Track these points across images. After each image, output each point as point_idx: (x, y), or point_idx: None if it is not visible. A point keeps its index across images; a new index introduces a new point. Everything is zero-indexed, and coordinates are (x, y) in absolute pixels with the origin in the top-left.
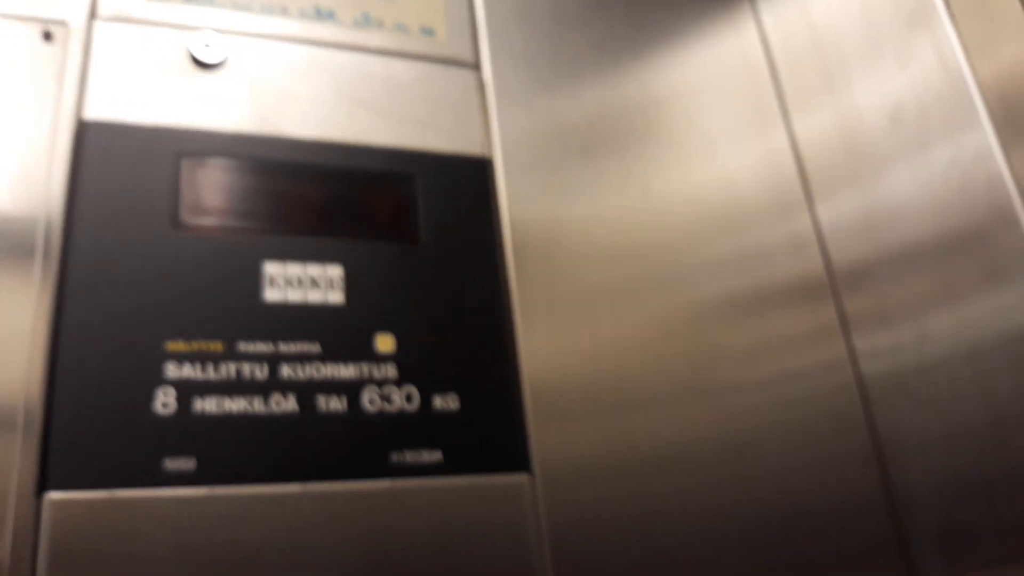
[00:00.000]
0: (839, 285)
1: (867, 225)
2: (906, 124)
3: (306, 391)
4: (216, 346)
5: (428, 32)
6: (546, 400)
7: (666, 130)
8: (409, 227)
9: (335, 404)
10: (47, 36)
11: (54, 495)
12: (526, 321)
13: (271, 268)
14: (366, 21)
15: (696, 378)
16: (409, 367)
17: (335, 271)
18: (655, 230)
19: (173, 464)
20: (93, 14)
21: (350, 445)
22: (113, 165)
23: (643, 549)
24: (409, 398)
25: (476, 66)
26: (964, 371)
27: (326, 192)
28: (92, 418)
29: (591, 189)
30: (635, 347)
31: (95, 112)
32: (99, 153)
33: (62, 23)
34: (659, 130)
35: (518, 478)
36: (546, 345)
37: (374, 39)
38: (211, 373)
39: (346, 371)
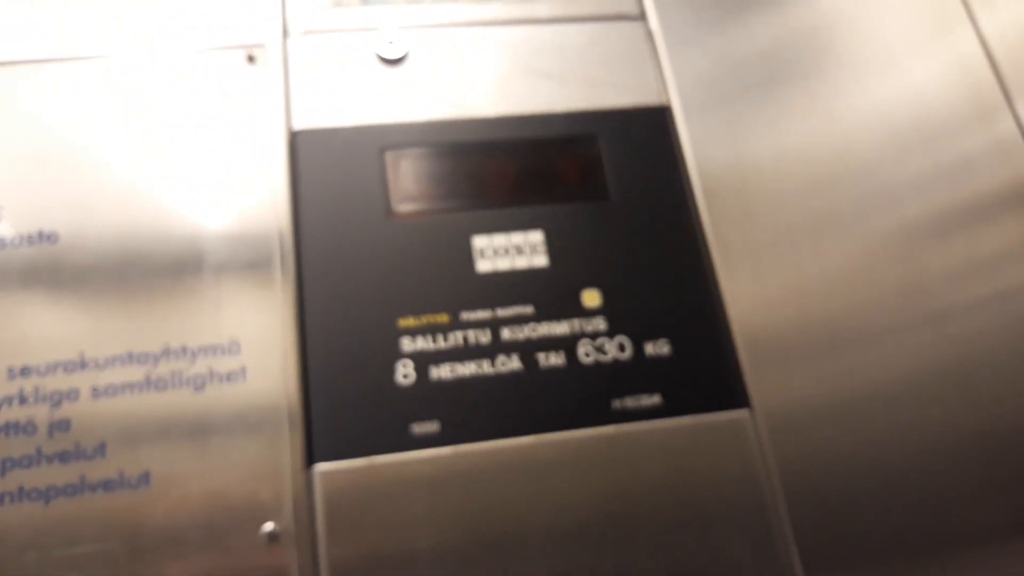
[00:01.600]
0: None
1: None
2: None
3: (527, 350)
4: (442, 318)
5: None
6: (757, 340)
7: (842, 49)
8: (598, 185)
9: (554, 359)
10: (251, 59)
11: (322, 466)
12: (726, 263)
13: (479, 241)
14: None
15: (909, 305)
16: (617, 318)
17: (536, 236)
18: (846, 155)
19: (420, 428)
20: (285, 32)
21: (573, 396)
22: (325, 167)
23: (874, 477)
24: (622, 347)
25: (642, 16)
26: None
27: (518, 163)
28: (344, 395)
29: (773, 122)
30: (841, 279)
31: (302, 122)
32: (312, 158)
33: (261, 45)
34: (834, 51)
35: (739, 414)
36: (749, 286)
37: (541, 8)
38: (441, 343)
39: (559, 328)
